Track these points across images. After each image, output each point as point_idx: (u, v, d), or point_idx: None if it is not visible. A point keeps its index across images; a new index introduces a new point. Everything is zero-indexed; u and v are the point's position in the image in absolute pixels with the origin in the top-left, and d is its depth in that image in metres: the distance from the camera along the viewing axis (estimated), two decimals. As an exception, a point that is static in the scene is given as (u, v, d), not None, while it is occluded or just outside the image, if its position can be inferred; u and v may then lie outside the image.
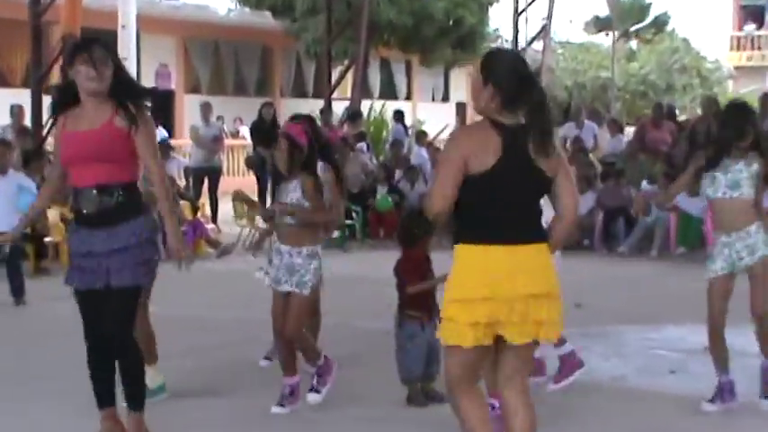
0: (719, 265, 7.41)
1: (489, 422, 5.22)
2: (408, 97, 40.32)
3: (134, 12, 21.23)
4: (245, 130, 29.21)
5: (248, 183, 21.76)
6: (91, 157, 5.91)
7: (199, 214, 17.65)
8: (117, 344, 6.10)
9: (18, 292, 11.93)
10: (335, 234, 14.68)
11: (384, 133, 27.23)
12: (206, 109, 20.52)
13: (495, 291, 5.00)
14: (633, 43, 49.73)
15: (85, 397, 6.46)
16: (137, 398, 6.24)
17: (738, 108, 7.70)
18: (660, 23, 49.65)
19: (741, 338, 7.99)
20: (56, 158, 6.48)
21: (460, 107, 42.07)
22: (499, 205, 5.07)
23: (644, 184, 17.40)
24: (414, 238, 7.66)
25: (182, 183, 20.21)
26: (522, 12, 30.69)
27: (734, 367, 7.65)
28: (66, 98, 6.07)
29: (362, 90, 26.59)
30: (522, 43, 31.26)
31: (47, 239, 14.59)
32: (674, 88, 43.52)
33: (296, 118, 8.52)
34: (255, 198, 18.87)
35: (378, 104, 31.73)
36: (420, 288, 7.52)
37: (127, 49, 21.30)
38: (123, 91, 5.98)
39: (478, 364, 5.22)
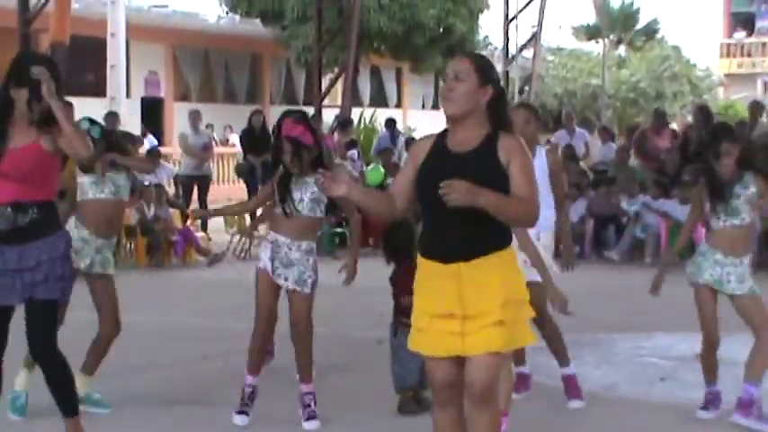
0: (706, 277, 7.38)
1: None
2: (399, 105, 40.35)
3: (123, 19, 21.25)
4: (234, 138, 29.20)
5: (238, 190, 21.79)
6: (10, 176, 5.90)
7: (188, 222, 17.59)
8: (43, 356, 6.08)
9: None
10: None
11: (374, 141, 27.22)
12: (195, 117, 20.46)
13: None
14: (622, 50, 49.79)
15: None
16: (69, 404, 6.19)
17: (717, 129, 7.74)
18: (650, 31, 49.74)
19: (733, 345, 7.96)
20: None
21: (451, 115, 42.06)
22: None
23: (640, 196, 17.36)
24: (399, 250, 7.65)
25: (171, 190, 20.17)
26: (512, 19, 30.72)
27: (724, 376, 7.62)
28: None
29: (353, 98, 26.56)
30: (512, 51, 31.27)
31: None
32: (665, 96, 43.54)
33: (290, 113, 8.49)
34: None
35: (368, 112, 31.73)
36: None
37: (116, 57, 21.33)
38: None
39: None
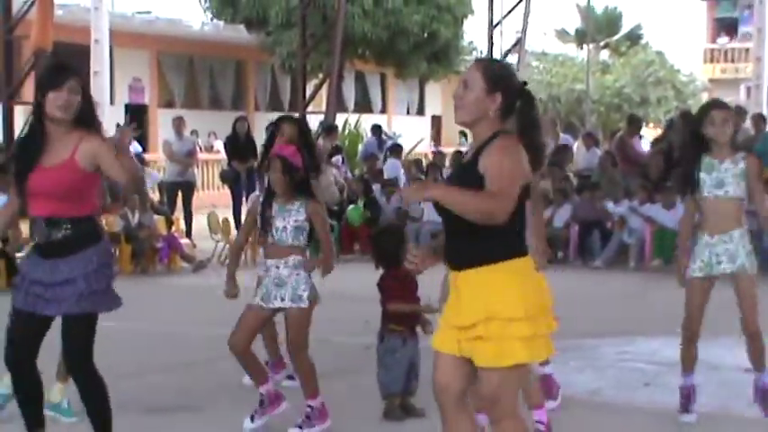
0: (697, 265, 7.38)
1: None
2: (383, 110, 40.36)
3: (107, 26, 21.20)
4: (219, 145, 29.17)
5: (223, 197, 21.77)
6: (41, 193, 5.91)
7: (173, 229, 17.57)
8: (77, 371, 6.07)
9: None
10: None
11: (359, 147, 27.24)
12: (179, 123, 20.43)
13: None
14: (606, 54, 49.89)
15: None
16: (100, 421, 6.17)
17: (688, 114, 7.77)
18: (633, 36, 49.87)
19: (718, 350, 7.98)
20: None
21: (435, 120, 42.12)
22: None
23: (625, 202, 17.40)
24: (387, 255, 7.66)
25: (156, 197, 20.16)
26: (496, 25, 30.74)
27: (710, 380, 7.64)
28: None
29: (337, 103, 26.57)
30: (496, 56, 31.31)
31: (19, 255, 14.48)
32: (649, 101, 43.69)
33: (285, 119, 8.50)
34: (230, 212, 18.93)
35: (353, 118, 31.75)
36: (400, 309, 7.54)
37: (100, 64, 21.27)
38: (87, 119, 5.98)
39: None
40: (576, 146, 21.82)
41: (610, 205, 17.44)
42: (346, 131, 29.17)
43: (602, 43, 48.96)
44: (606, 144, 23.51)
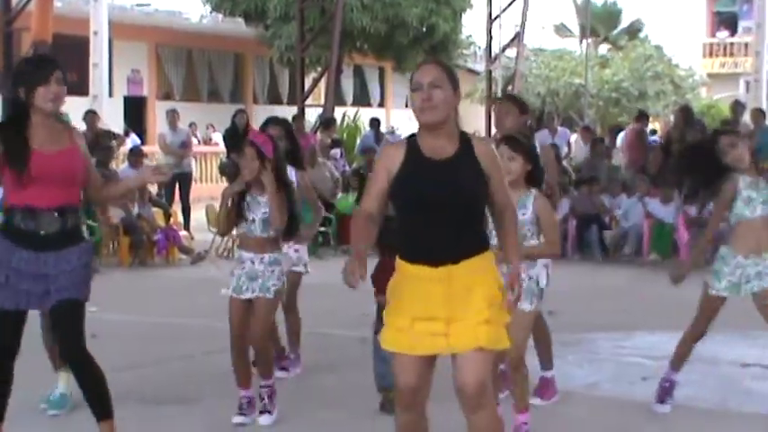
0: (724, 285, 7.27)
1: None
2: (382, 104, 40.36)
3: (106, 18, 21.21)
4: (217, 137, 29.15)
5: (221, 189, 21.74)
6: (56, 178, 5.89)
7: (171, 221, 17.56)
8: (74, 357, 6.07)
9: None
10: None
11: (357, 140, 27.22)
12: (172, 116, 20.45)
13: None
14: (604, 49, 49.82)
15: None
16: (102, 407, 6.18)
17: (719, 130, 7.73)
18: (633, 30, 49.78)
19: (716, 346, 7.98)
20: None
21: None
22: None
23: (623, 196, 17.43)
24: (390, 247, 7.63)
25: (154, 189, 20.14)
26: (495, 18, 30.72)
27: (709, 375, 7.64)
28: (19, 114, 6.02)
29: (336, 97, 26.56)
30: (495, 50, 31.30)
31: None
32: (647, 95, 43.60)
33: (272, 122, 8.57)
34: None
35: (351, 111, 31.72)
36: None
37: (98, 56, 21.29)
38: None
39: None
40: (575, 140, 21.84)
41: (610, 199, 17.47)
42: (345, 125, 29.13)
43: (601, 38, 48.86)
44: (605, 138, 23.48)
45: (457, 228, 5.01)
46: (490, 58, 31.15)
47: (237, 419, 7.34)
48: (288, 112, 26.96)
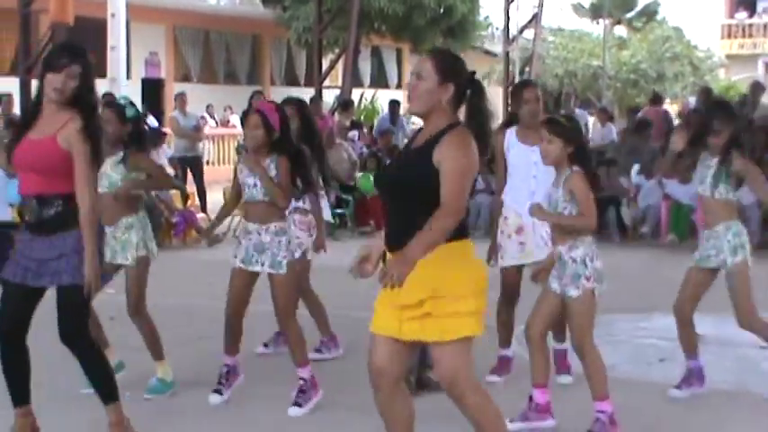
0: (696, 256, 7.51)
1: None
2: (399, 86, 40.30)
3: (123, 0, 21.16)
4: (235, 119, 29.15)
5: (239, 172, 21.77)
6: (30, 168, 5.96)
7: (189, 203, 17.58)
8: (71, 340, 6.09)
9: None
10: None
11: (375, 122, 27.22)
12: (181, 99, 20.52)
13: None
14: (622, 30, 49.65)
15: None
16: (105, 390, 6.22)
17: (714, 105, 7.76)
18: (650, 12, 49.61)
19: (731, 328, 7.96)
20: None
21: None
22: None
23: (633, 172, 17.41)
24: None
25: (171, 172, 20.16)
26: (513, 0, 30.65)
27: (725, 356, 7.63)
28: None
29: (353, 79, 26.55)
30: (513, 31, 31.22)
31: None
32: (666, 77, 43.49)
33: (286, 101, 8.55)
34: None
35: (369, 93, 31.70)
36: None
37: (116, 38, 21.29)
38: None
39: None
40: (592, 122, 21.77)
41: (633, 175, 17.44)
42: (362, 107, 29.11)
43: (617, 19, 48.68)
44: (623, 120, 23.43)
45: (405, 217, 5.06)
46: (508, 40, 31.08)
47: (212, 399, 7.39)
48: (305, 93, 26.94)
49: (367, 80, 37.75)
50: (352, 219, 18.24)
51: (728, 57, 47.87)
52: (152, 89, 31.62)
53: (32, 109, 6.10)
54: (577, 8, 50.71)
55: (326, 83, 25.52)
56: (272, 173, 7.24)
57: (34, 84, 20.02)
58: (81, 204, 5.92)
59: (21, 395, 6.22)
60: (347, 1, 25.75)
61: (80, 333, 6.08)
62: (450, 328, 5.07)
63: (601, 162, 18.04)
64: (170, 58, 32.84)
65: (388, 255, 5.17)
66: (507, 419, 5.88)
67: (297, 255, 7.81)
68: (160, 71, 32.45)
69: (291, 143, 7.49)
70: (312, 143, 8.36)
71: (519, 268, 7.91)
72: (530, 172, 7.68)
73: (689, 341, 7.58)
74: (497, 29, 36.61)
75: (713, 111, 7.63)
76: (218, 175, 23.66)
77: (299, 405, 7.28)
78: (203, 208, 18.69)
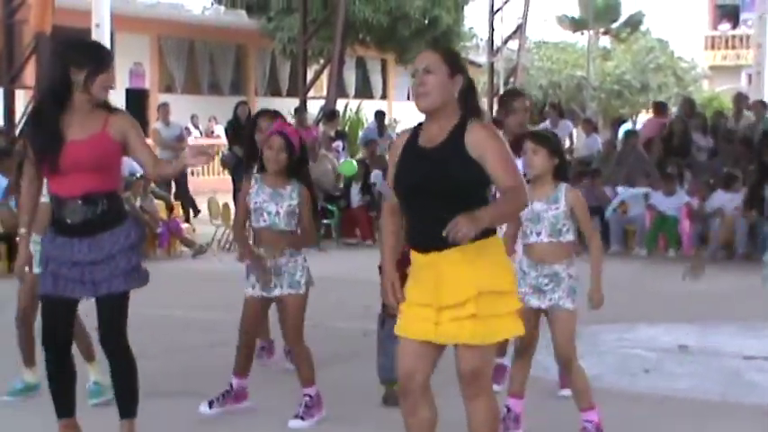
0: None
1: None
2: (384, 96, 40.32)
3: (108, 10, 21.13)
4: (219, 130, 29.12)
5: (223, 182, 21.74)
6: (77, 168, 5.82)
7: (174, 214, 17.55)
8: (113, 349, 6.04)
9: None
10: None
11: (359, 133, 27.23)
12: (164, 110, 20.48)
13: None
14: (606, 41, 49.77)
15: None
16: (130, 406, 6.16)
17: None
18: (634, 22, 49.74)
19: (719, 337, 7.98)
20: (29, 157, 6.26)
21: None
22: None
23: (619, 189, 17.42)
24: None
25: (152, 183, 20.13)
26: (497, 11, 30.71)
27: (710, 367, 7.64)
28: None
29: (338, 89, 26.54)
30: (497, 42, 31.27)
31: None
32: (650, 88, 43.62)
33: (263, 113, 8.39)
34: (231, 197, 18.91)
35: (354, 103, 31.70)
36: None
37: (101, 48, 21.19)
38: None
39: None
40: (576, 132, 21.81)
41: (620, 189, 17.44)
42: (347, 117, 29.11)
43: (601, 30, 48.80)
44: (606, 131, 23.48)
45: (442, 215, 4.82)
46: (492, 51, 31.12)
47: (202, 407, 7.30)
48: (289, 104, 26.96)
49: (352, 91, 37.74)
50: (338, 230, 18.23)
51: (712, 68, 48.01)
52: (136, 99, 31.47)
53: (55, 112, 5.87)
54: (561, 20, 50.83)
55: (311, 93, 25.49)
56: (294, 201, 7.10)
57: (18, 94, 19.99)
58: (155, 169, 6.07)
59: (66, 407, 6.14)
60: (332, 12, 25.77)
61: (122, 340, 6.05)
62: (493, 330, 5.01)
63: (585, 172, 18.07)
64: (154, 68, 32.79)
65: (415, 256, 5.12)
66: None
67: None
68: (144, 81, 32.39)
69: (308, 168, 7.35)
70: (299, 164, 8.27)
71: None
72: None
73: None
74: (482, 40, 36.62)
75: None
76: (203, 185, 23.64)
77: (302, 419, 7.18)
78: (187, 218, 18.66)
